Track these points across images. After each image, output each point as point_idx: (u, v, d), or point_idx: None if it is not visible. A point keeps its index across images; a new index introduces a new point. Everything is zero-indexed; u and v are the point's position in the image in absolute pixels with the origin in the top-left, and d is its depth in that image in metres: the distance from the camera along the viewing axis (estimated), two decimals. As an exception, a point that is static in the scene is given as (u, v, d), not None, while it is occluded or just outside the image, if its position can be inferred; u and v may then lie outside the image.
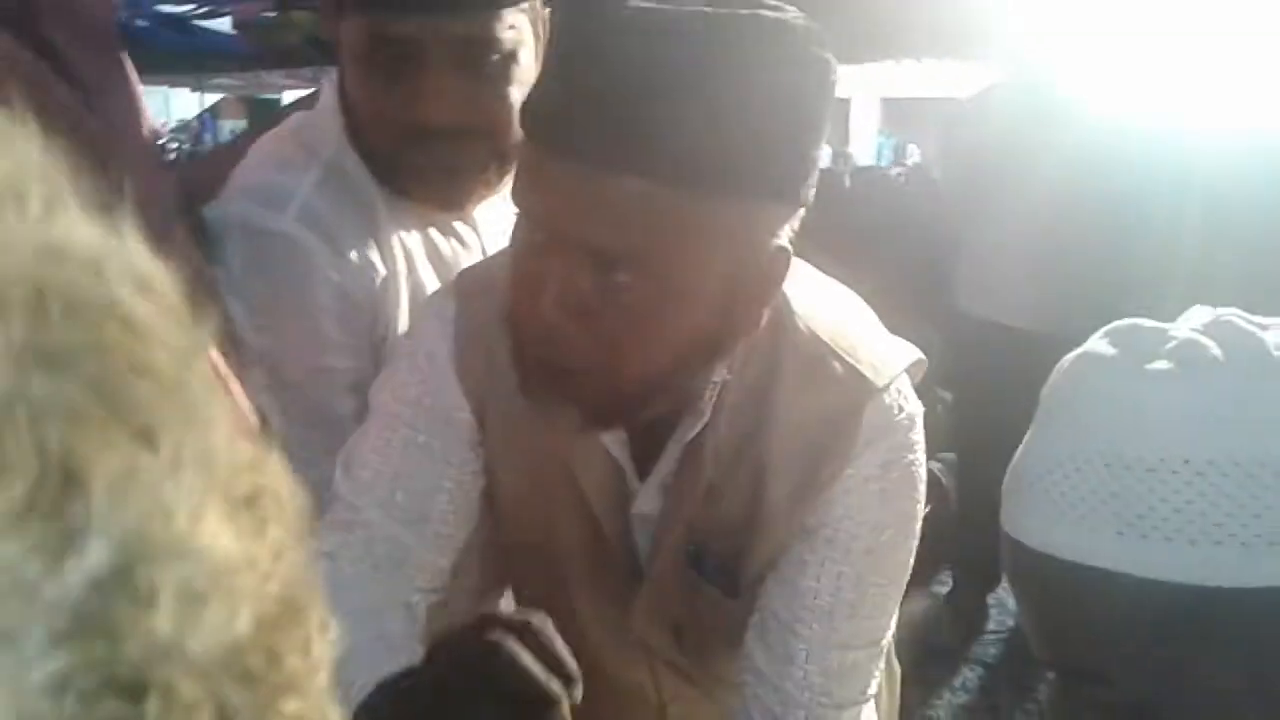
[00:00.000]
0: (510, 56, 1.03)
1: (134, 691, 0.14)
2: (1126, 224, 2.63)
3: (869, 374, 0.88)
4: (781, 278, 0.82)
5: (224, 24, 6.46)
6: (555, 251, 0.76)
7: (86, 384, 0.15)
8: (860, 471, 0.88)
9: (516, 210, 0.80)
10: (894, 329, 0.98)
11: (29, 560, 0.14)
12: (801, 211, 0.81)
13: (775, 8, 0.75)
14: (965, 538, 3.01)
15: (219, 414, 0.17)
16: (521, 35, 1.03)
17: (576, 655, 1.04)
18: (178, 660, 0.15)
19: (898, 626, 0.97)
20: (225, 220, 1.06)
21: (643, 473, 0.93)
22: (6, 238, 0.15)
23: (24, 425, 0.14)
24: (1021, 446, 0.68)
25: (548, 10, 1.08)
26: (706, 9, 0.72)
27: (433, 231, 1.16)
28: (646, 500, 0.93)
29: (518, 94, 1.03)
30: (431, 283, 1.13)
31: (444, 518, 0.95)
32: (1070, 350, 0.67)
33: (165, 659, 0.15)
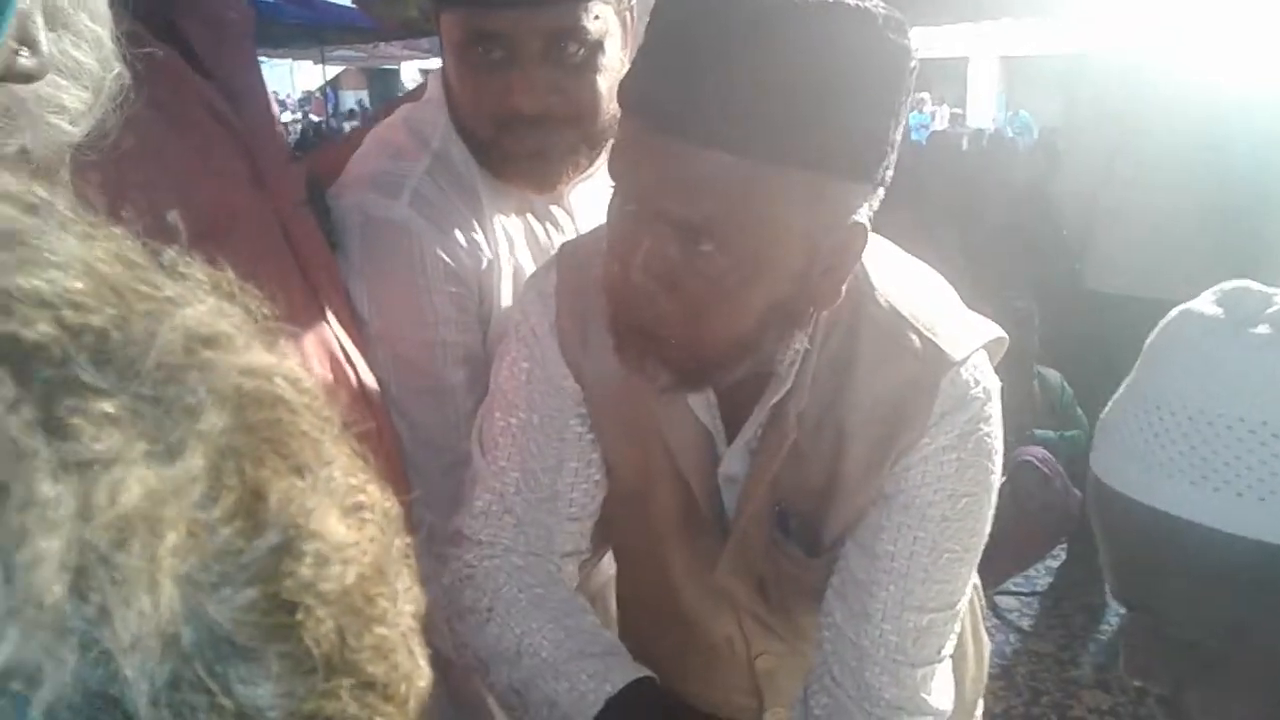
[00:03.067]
0: (596, 46, 1.08)
1: (291, 609, 0.25)
2: (1264, 191, 2.52)
3: (946, 348, 0.91)
4: (858, 253, 0.85)
5: (345, -2, 6.67)
6: (645, 221, 0.81)
7: (266, 441, 0.26)
8: (936, 441, 0.91)
9: (612, 183, 0.85)
10: (993, 299, 0.99)
11: (235, 539, 0.24)
12: (881, 192, 0.84)
13: None
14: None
15: (340, 455, 0.29)
16: (606, 26, 1.08)
17: (670, 610, 1.10)
18: (314, 594, 0.26)
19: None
20: (344, 209, 1.15)
21: (730, 436, 0.97)
22: (223, 363, 0.26)
23: (233, 465, 0.25)
24: (1118, 391, 0.71)
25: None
26: None
27: (530, 216, 1.22)
28: (733, 462, 0.98)
29: (604, 82, 1.09)
30: (529, 264, 1.19)
31: (571, 488, 1.02)
32: None
33: (307, 592, 0.25)
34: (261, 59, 1.14)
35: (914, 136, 10.70)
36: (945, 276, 0.99)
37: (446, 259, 1.12)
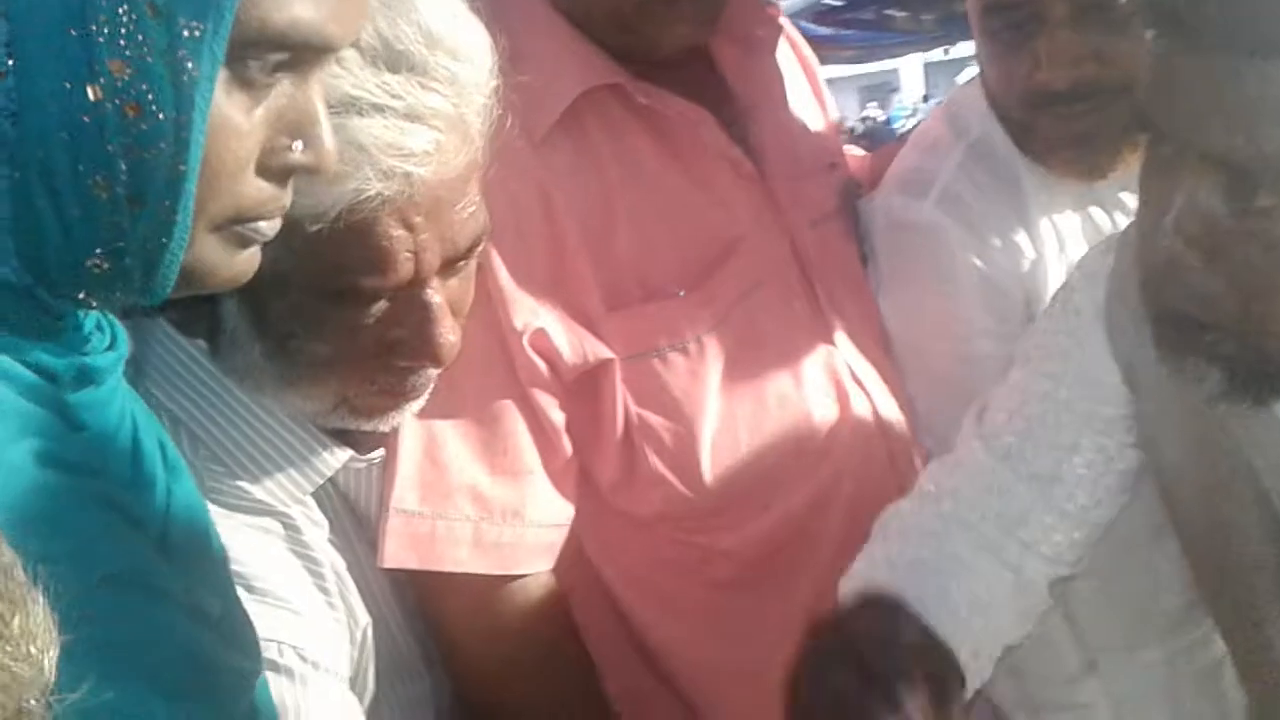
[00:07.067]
0: None
1: None
2: None
3: None
4: None
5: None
6: (1182, 168, 0.64)
7: None
8: None
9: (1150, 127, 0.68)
10: None
11: None
12: None
13: None
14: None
15: None
16: None
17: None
18: None
19: None
20: (870, 214, 1.09)
21: None
22: None
23: None
24: None
25: None
26: None
27: (1093, 209, 1.06)
28: None
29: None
30: None
31: (1078, 481, 0.84)
32: None
33: None
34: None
35: None
36: None
37: (980, 263, 1.01)
